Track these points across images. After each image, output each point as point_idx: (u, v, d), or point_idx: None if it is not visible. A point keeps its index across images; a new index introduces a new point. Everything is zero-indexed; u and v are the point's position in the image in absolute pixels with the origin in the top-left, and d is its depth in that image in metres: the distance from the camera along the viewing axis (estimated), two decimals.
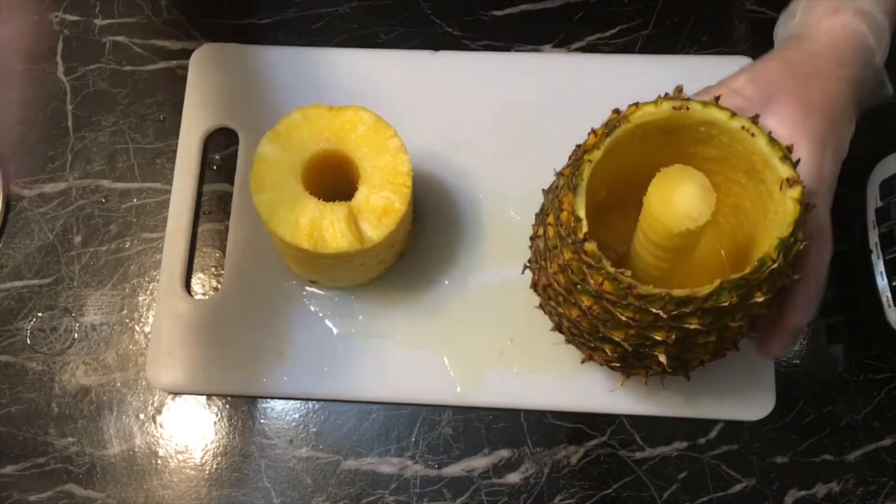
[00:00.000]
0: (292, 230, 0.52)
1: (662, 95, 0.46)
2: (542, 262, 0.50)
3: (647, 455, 0.57)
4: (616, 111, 0.47)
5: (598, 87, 0.63)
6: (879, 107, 0.64)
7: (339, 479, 0.57)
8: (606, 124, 0.46)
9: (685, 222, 0.44)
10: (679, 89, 0.47)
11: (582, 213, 0.44)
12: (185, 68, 0.66)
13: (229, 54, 0.66)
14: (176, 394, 0.59)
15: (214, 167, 0.64)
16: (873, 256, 0.56)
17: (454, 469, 0.57)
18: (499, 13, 0.67)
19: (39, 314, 0.61)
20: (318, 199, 0.53)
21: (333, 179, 0.56)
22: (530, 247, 0.54)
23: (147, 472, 0.58)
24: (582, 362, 0.54)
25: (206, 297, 0.61)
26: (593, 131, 0.47)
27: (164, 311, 0.60)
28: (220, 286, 0.61)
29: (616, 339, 0.47)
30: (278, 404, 0.59)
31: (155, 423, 0.59)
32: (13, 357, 0.60)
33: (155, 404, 0.59)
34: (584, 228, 0.43)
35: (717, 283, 0.42)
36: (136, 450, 0.58)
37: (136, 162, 0.65)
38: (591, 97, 0.63)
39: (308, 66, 0.65)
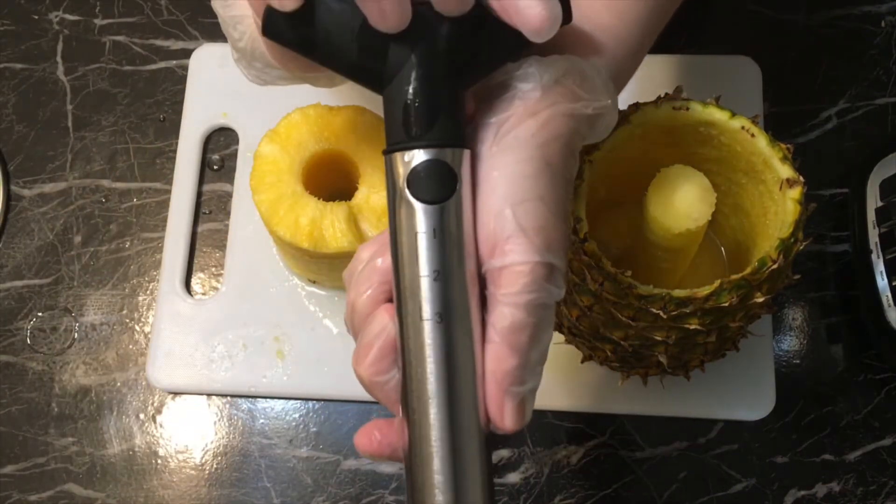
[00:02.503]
0: (292, 230, 0.52)
1: (662, 96, 0.46)
2: None
3: (647, 455, 0.57)
4: None
5: None
6: (880, 107, 0.64)
7: (339, 478, 0.57)
8: None
9: (685, 222, 0.44)
10: (679, 89, 0.47)
11: (582, 213, 0.44)
12: (185, 68, 0.66)
13: (229, 54, 0.65)
14: (176, 393, 0.59)
15: (214, 167, 0.64)
16: (873, 256, 0.56)
17: None
18: None
19: (39, 314, 0.61)
20: (318, 198, 0.53)
21: (333, 179, 0.56)
22: None
23: (147, 471, 0.58)
24: (582, 362, 0.54)
25: (206, 297, 0.61)
26: None
27: (164, 311, 0.60)
28: (220, 286, 0.61)
29: (616, 339, 0.47)
30: (278, 404, 0.59)
31: (155, 422, 0.59)
32: (13, 357, 0.60)
33: (155, 404, 0.59)
34: (585, 228, 0.43)
35: (717, 283, 0.42)
36: (136, 450, 0.58)
37: (136, 162, 0.65)
38: None
39: None
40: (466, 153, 0.33)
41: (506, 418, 0.32)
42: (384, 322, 0.34)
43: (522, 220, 0.32)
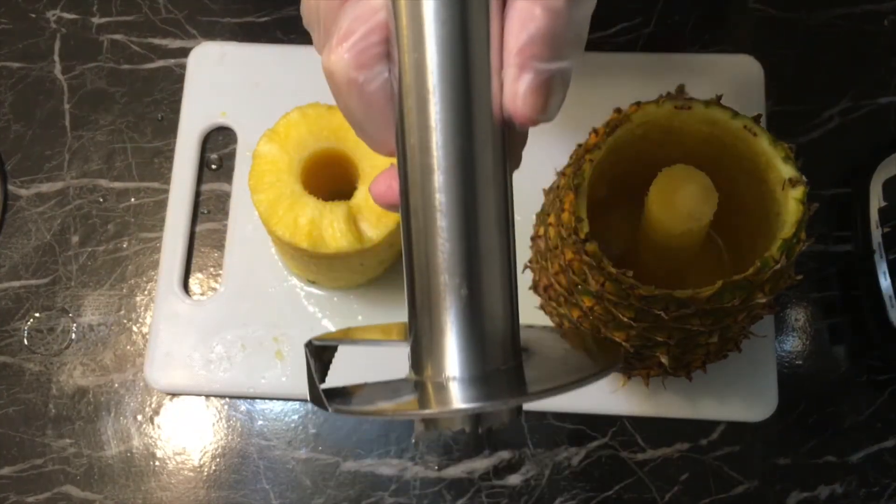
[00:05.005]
0: (291, 230, 0.52)
1: (664, 94, 0.46)
2: (543, 263, 0.49)
3: (649, 456, 0.57)
4: (617, 110, 0.46)
5: (599, 86, 0.63)
6: (882, 106, 0.64)
7: (339, 480, 0.57)
8: (608, 123, 0.46)
9: (687, 222, 0.43)
10: (681, 88, 0.47)
11: (583, 213, 0.43)
12: (184, 67, 0.66)
13: (227, 53, 0.65)
14: (174, 395, 0.59)
15: (213, 166, 0.64)
16: (876, 256, 0.55)
17: (454, 471, 0.57)
18: None
19: (37, 314, 0.61)
20: (317, 198, 0.53)
21: (332, 179, 0.55)
22: (531, 247, 0.54)
23: (145, 473, 0.58)
24: None
25: (205, 298, 0.61)
26: (594, 130, 0.46)
27: (162, 312, 0.59)
28: (218, 286, 0.61)
29: (617, 339, 0.47)
30: (277, 405, 0.59)
31: (153, 424, 0.59)
32: (10, 358, 0.60)
33: (153, 405, 0.59)
34: (586, 228, 0.43)
35: (719, 283, 0.42)
36: (134, 451, 0.58)
37: (134, 161, 0.64)
38: (592, 96, 0.62)
39: (307, 64, 0.65)
40: None
41: (519, 99, 0.25)
42: (374, 2, 0.25)
43: None
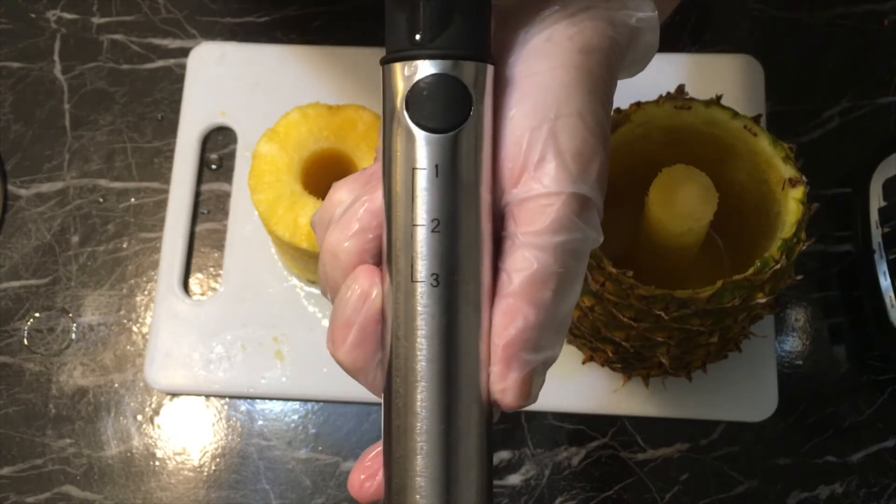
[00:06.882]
0: (291, 230, 0.52)
1: (664, 95, 0.46)
2: None
3: (649, 456, 0.57)
4: (617, 110, 0.46)
5: None
6: (882, 106, 0.64)
7: (339, 480, 0.57)
8: None
9: (687, 222, 0.43)
10: (681, 88, 0.47)
11: None
12: (184, 67, 0.66)
13: (227, 53, 0.65)
14: (174, 395, 0.59)
15: (213, 166, 0.64)
16: (876, 256, 0.55)
17: None
18: None
19: (37, 314, 0.61)
20: (318, 198, 0.52)
21: (332, 179, 0.55)
22: None
23: (145, 473, 0.58)
24: (583, 363, 0.54)
25: (205, 298, 0.61)
26: None
27: (162, 312, 0.59)
28: (218, 286, 0.61)
29: (617, 339, 0.47)
30: (277, 405, 0.59)
31: (153, 424, 0.59)
32: (10, 358, 0.60)
33: (153, 405, 0.59)
34: None
35: (719, 283, 0.42)
36: (134, 451, 0.58)
37: (134, 161, 0.64)
38: None
39: (307, 64, 0.65)
40: (489, 70, 0.26)
41: (507, 393, 0.26)
42: (364, 289, 0.27)
43: (557, 139, 0.26)
